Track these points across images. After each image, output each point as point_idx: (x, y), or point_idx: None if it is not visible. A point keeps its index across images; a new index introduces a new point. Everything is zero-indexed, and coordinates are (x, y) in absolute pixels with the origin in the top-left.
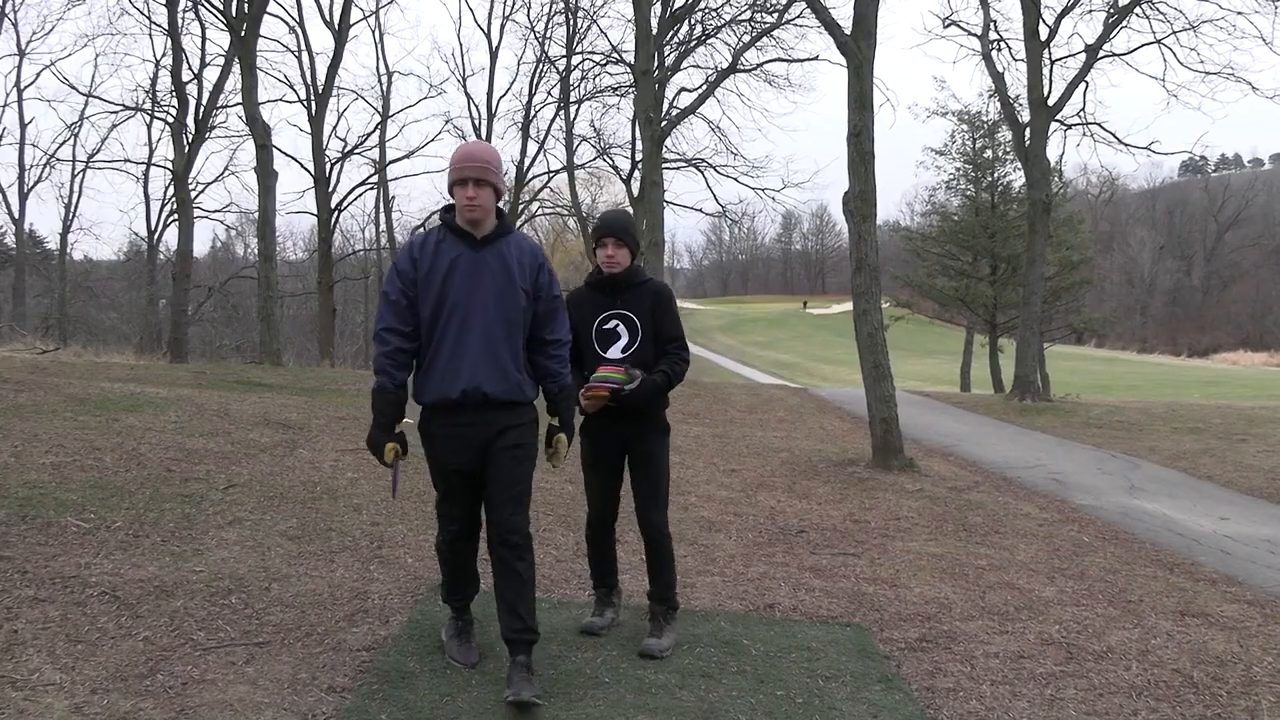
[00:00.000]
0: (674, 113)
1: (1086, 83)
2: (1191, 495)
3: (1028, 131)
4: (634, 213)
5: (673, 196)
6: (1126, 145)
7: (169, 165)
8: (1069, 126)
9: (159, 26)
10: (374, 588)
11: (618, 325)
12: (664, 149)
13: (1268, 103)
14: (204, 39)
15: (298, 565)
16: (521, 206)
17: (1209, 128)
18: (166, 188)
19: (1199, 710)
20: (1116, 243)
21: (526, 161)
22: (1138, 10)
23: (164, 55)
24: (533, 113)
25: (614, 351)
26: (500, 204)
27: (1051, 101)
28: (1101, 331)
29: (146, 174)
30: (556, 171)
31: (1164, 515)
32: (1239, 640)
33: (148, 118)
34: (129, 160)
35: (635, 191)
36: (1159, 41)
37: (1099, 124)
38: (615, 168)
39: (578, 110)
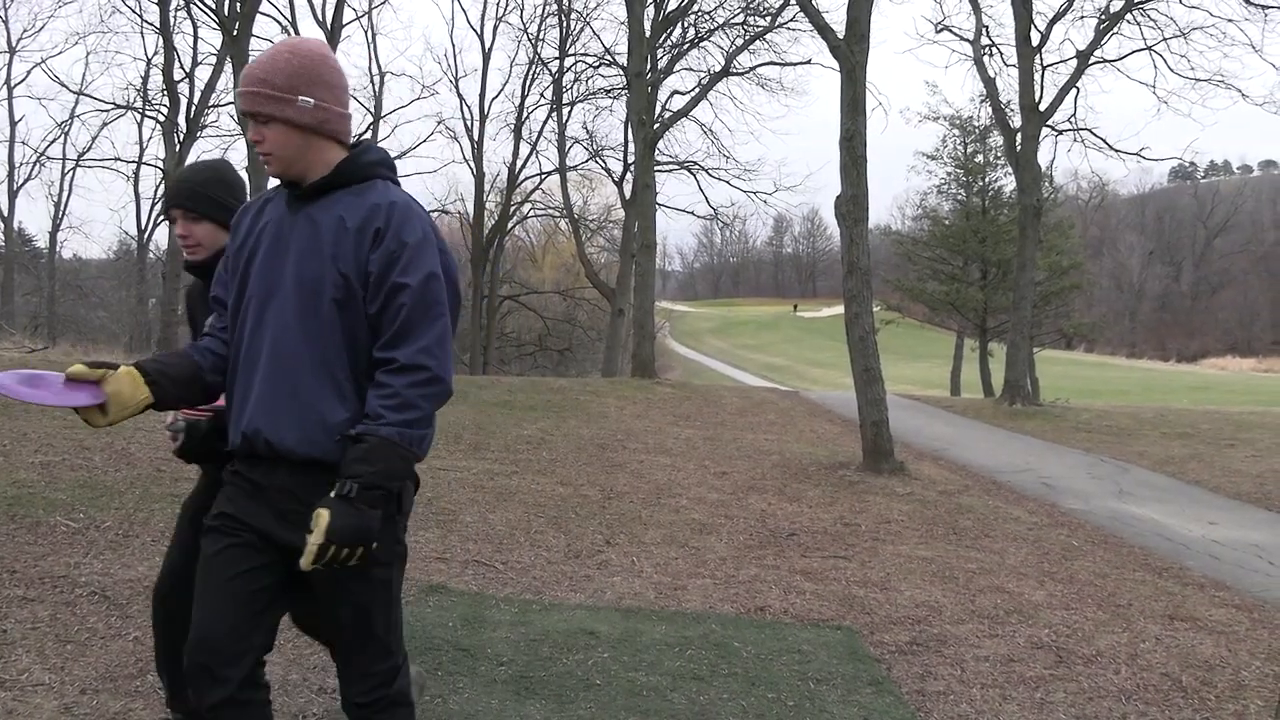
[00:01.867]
0: (667, 115)
1: (1078, 89)
2: (1180, 500)
3: (1019, 137)
4: (626, 215)
5: (665, 199)
6: (1117, 151)
7: (160, 164)
8: (1060, 132)
9: (150, 25)
10: None
11: None
12: (656, 151)
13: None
14: (196, 38)
15: None
16: (514, 208)
17: (1199, 134)
18: (157, 186)
19: (1187, 714)
20: (1106, 248)
21: (519, 163)
22: (1129, 17)
23: (155, 54)
24: (525, 114)
25: None
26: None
27: (1043, 107)
28: (1091, 336)
29: (137, 173)
30: (549, 173)
31: (1153, 520)
32: (1227, 644)
33: (139, 116)
34: (120, 159)
35: (628, 194)
36: (1150, 48)
37: (1090, 130)
38: (607, 170)
39: (570, 112)
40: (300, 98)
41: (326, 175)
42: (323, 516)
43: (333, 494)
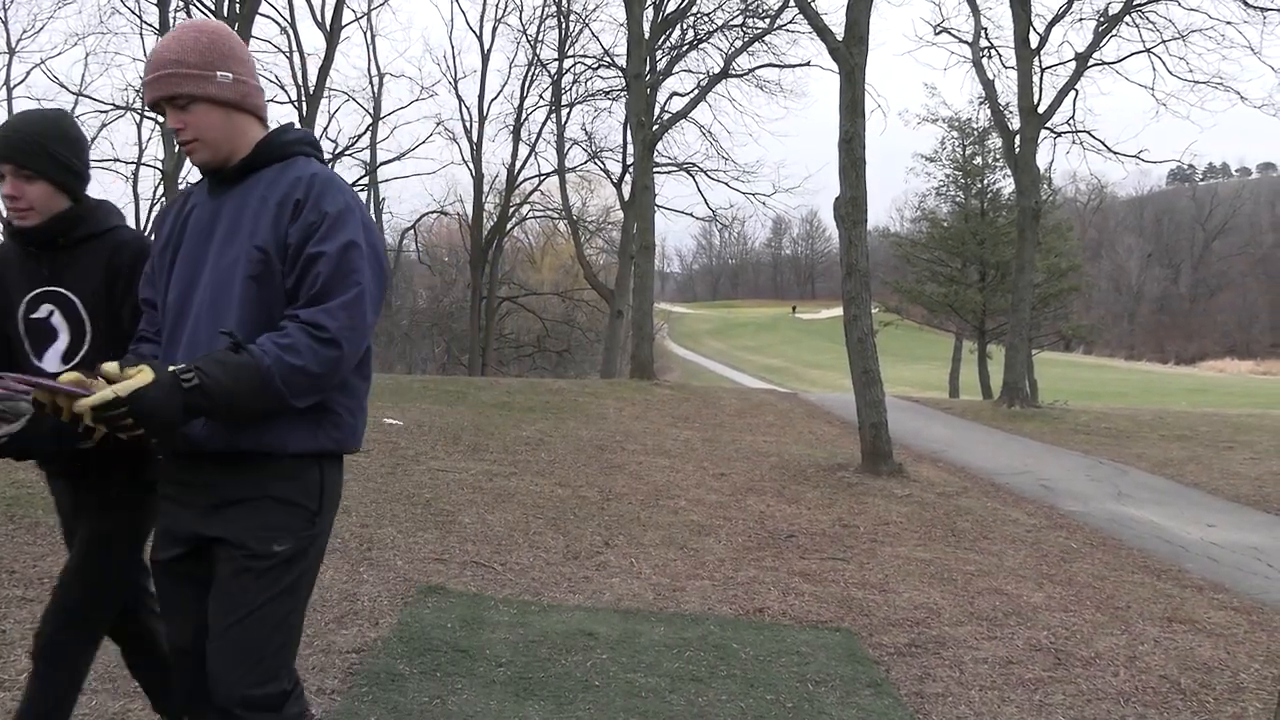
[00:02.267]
0: (665, 117)
1: (1076, 91)
2: (1179, 502)
3: (1017, 139)
4: (625, 216)
5: (663, 201)
6: (1115, 153)
7: (159, 165)
8: (1058, 134)
9: (150, 26)
10: (363, 590)
11: (52, 314)
12: (655, 153)
13: (1256, 112)
14: None
15: None
16: (513, 210)
17: (1197, 136)
18: (156, 187)
19: (1186, 716)
20: (1105, 250)
21: (518, 164)
22: (1127, 19)
23: None
24: (524, 115)
25: (50, 359)
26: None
27: (1041, 109)
28: (1089, 338)
29: (136, 173)
30: (548, 175)
31: (1151, 522)
32: (1226, 647)
33: (138, 117)
34: (119, 160)
35: (626, 195)
36: (1148, 50)
37: (1088, 132)
38: (606, 171)
39: (569, 113)
40: (219, 73)
41: (248, 155)
42: (143, 374)
43: (171, 368)
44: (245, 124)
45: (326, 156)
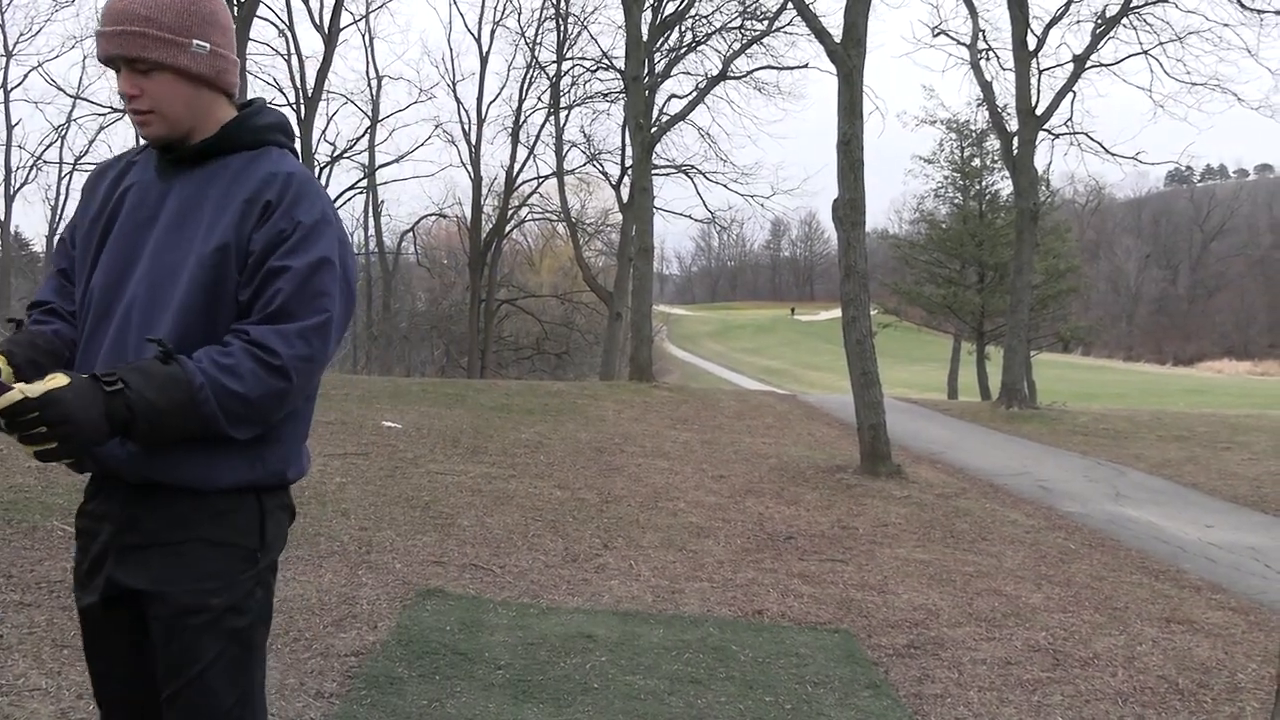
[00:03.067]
0: (664, 119)
1: (1074, 92)
2: (1176, 503)
3: (1015, 140)
4: (624, 219)
5: (662, 203)
6: (1113, 155)
7: None
8: (1056, 136)
9: None
10: (362, 593)
11: None
12: (654, 155)
13: (1253, 114)
14: None
15: (285, 570)
16: (511, 212)
17: (1195, 138)
18: None
19: (1184, 717)
20: (1103, 251)
21: (516, 167)
22: (1125, 21)
23: None
24: (523, 118)
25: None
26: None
27: (1039, 111)
28: (1088, 339)
29: None
30: (546, 177)
31: (1149, 522)
32: (1224, 647)
33: None
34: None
35: (625, 197)
36: (1146, 52)
37: (1086, 133)
38: (605, 174)
39: (568, 116)
40: (195, 41)
41: (211, 136)
42: (57, 379)
43: (90, 374)
44: (213, 102)
45: (324, 159)
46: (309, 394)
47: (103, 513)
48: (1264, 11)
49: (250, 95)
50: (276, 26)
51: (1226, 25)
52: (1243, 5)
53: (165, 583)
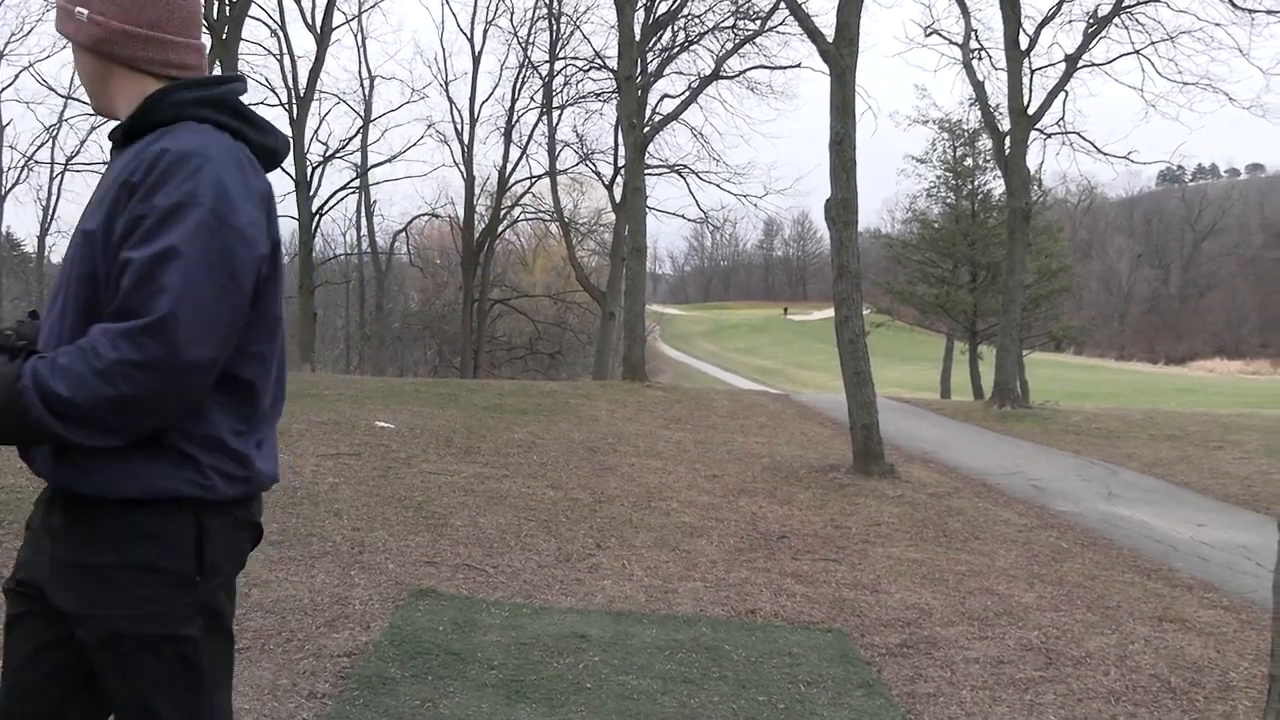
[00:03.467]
0: (657, 119)
1: (1066, 92)
2: (1169, 502)
3: (1008, 140)
4: (617, 218)
5: (655, 202)
6: (1105, 154)
7: None
8: (1048, 135)
9: None
10: (355, 593)
11: None
12: (647, 155)
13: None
14: None
15: (278, 571)
16: (504, 212)
17: (1186, 138)
18: None
19: (1176, 715)
20: (1095, 251)
21: (509, 166)
22: (1117, 21)
23: None
24: (515, 118)
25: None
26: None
27: (1031, 110)
28: (1080, 339)
29: None
30: (539, 177)
31: (1142, 522)
32: (1216, 646)
33: None
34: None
35: (618, 197)
36: (1138, 52)
37: (1078, 133)
38: (598, 173)
39: (560, 115)
40: (78, 9)
41: (133, 115)
42: None
43: None
44: (123, 80)
45: (317, 159)
46: (256, 396)
47: (38, 524)
48: (1255, 11)
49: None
50: (268, 26)
51: (1218, 25)
52: (1234, 5)
53: (95, 609)
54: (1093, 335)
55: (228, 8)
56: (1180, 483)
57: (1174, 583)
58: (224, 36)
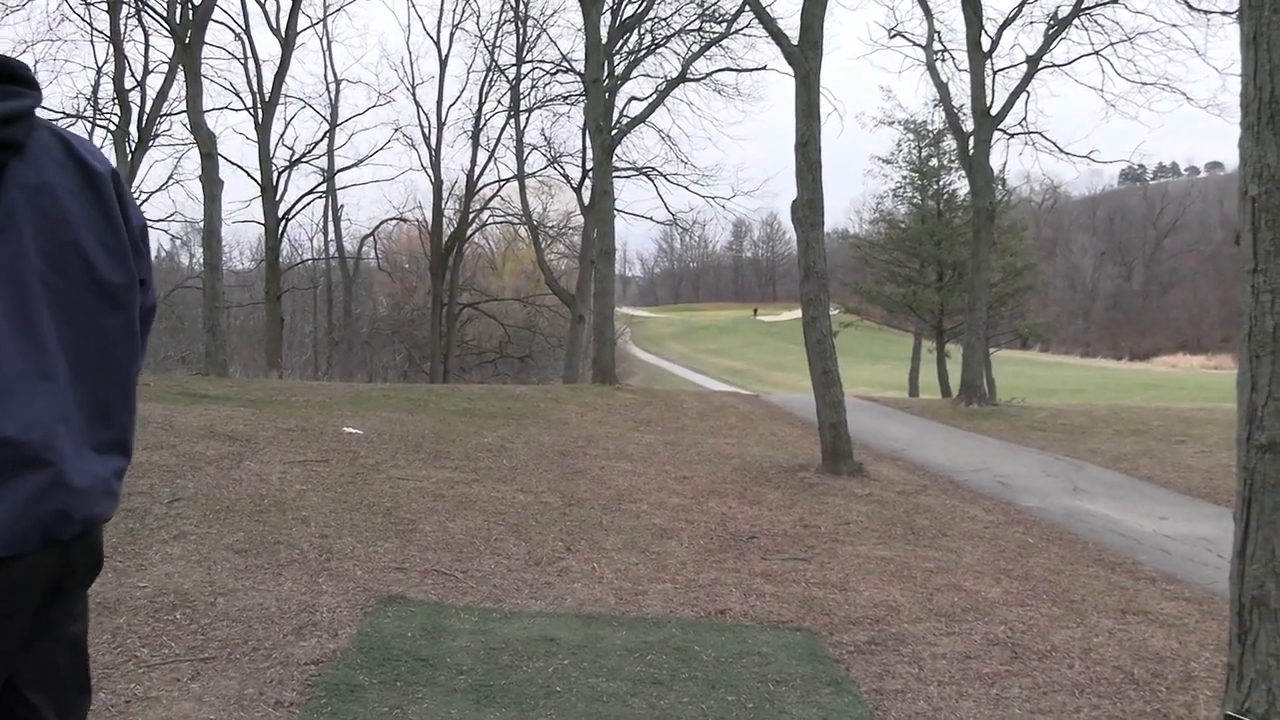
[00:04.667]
0: (624, 121)
1: (1028, 93)
2: (1132, 496)
3: (971, 140)
4: (586, 221)
5: (623, 205)
6: (1067, 154)
7: None
8: (1011, 135)
9: (100, 33)
10: (322, 601)
11: None
12: (614, 157)
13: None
14: (147, 45)
15: (244, 579)
16: (472, 216)
17: (1146, 137)
18: None
19: (1139, 706)
20: (1059, 249)
21: (477, 170)
22: (1076, 22)
23: (106, 62)
24: (483, 121)
25: None
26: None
27: (994, 111)
28: (1046, 336)
29: None
30: (507, 180)
31: (1106, 516)
32: (1178, 637)
33: (89, 125)
34: None
35: (586, 200)
36: (1097, 53)
37: (1040, 133)
38: (566, 176)
39: (528, 119)
40: None
41: None
42: None
43: None
44: None
45: (283, 164)
46: None
47: None
48: (1210, 12)
49: (206, 100)
50: (233, 30)
51: (1175, 26)
52: (1190, 6)
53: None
54: (1058, 332)
55: (191, 11)
56: (1143, 477)
57: (1137, 575)
58: (187, 40)
